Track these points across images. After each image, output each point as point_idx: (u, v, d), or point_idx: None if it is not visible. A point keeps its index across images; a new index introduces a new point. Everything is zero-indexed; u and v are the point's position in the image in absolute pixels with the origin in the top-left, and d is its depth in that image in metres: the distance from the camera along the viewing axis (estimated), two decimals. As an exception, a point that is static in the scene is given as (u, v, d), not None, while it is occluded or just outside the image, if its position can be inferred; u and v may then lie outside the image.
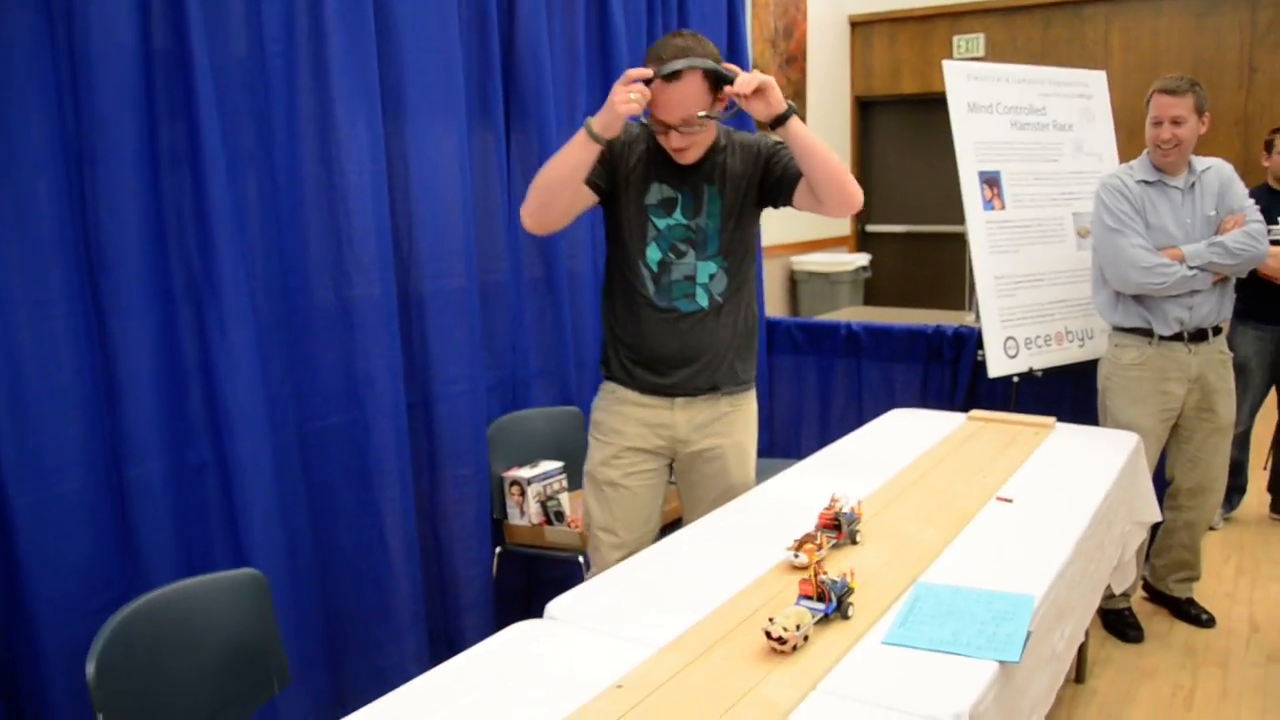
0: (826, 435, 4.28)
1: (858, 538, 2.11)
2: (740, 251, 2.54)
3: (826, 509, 2.10)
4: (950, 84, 3.79)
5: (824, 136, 6.95)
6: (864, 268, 6.84)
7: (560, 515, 3.04)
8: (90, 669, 1.70)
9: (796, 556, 1.92)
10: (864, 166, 7.61)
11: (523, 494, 3.04)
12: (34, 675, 2.11)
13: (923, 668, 1.62)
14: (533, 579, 3.38)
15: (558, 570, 3.13)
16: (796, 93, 6.51)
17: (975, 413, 3.24)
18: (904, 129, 7.62)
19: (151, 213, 2.26)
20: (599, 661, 1.65)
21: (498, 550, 3.14)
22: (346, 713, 1.58)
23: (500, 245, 3.23)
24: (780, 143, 2.44)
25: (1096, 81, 4.12)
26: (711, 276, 2.50)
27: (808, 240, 6.75)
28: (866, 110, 7.56)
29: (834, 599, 1.75)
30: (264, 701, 2.04)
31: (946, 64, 3.82)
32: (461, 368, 2.99)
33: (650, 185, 2.48)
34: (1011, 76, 3.92)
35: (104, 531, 2.20)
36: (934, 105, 7.23)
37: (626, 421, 2.56)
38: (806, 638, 1.67)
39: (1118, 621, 3.39)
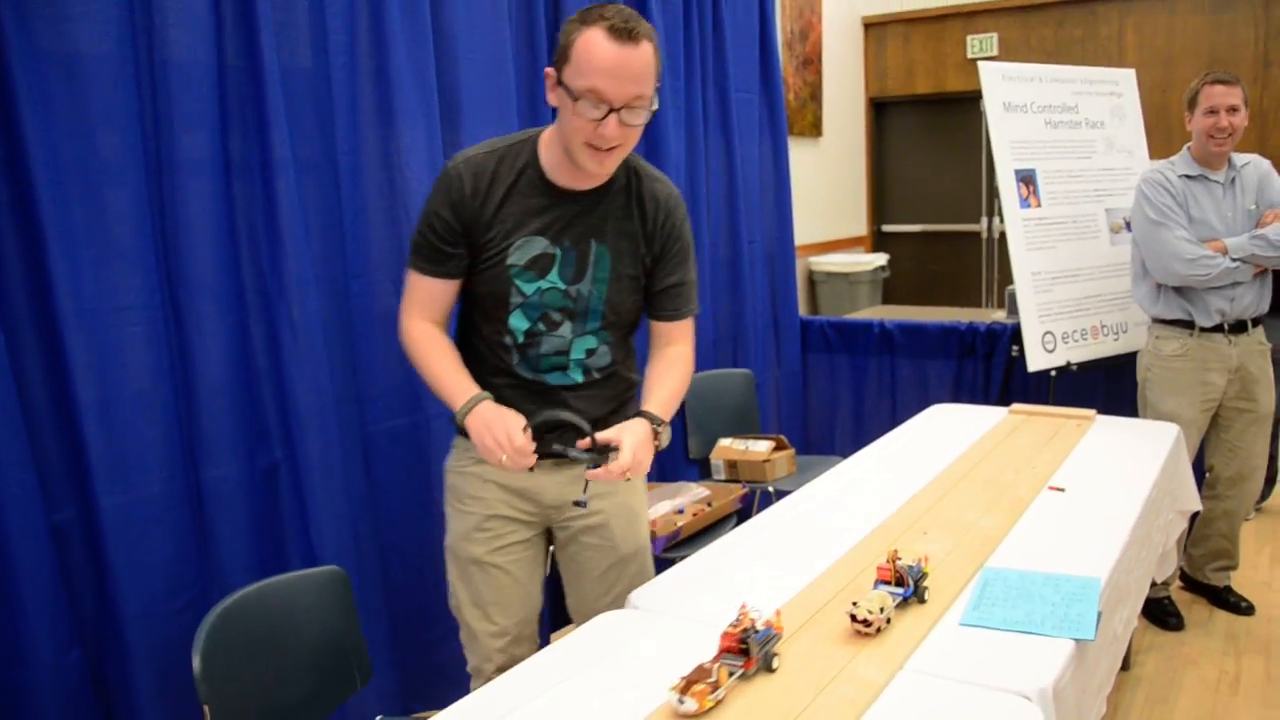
0: (861, 432, 4.35)
1: (774, 663, 1.59)
2: (628, 321, 2.09)
3: (732, 626, 1.57)
4: (986, 84, 3.84)
5: (839, 137, 7.00)
6: (882, 267, 6.89)
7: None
8: (196, 662, 1.74)
9: (682, 703, 1.45)
10: (879, 167, 7.66)
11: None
12: (121, 673, 2.17)
13: (1001, 647, 1.68)
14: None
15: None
16: (813, 94, 6.56)
17: (1017, 406, 3.29)
18: (918, 129, 7.67)
19: (224, 219, 2.32)
20: (688, 647, 1.70)
21: (551, 549, 3.18)
22: (413, 708, 1.63)
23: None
24: (680, 223, 2.06)
25: (1126, 80, 4.18)
26: (590, 352, 2.04)
27: (825, 241, 6.79)
28: (881, 111, 7.61)
29: (911, 583, 1.80)
30: (349, 695, 2.10)
31: (982, 65, 3.87)
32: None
33: (516, 240, 1.93)
34: (1044, 76, 3.98)
35: (184, 532, 2.26)
36: (948, 105, 7.31)
37: (484, 486, 2.09)
38: (889, 620, 1.72)
39: (1158, 610, 3.43)
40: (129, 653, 2.16)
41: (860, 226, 7.65)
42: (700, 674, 1.49)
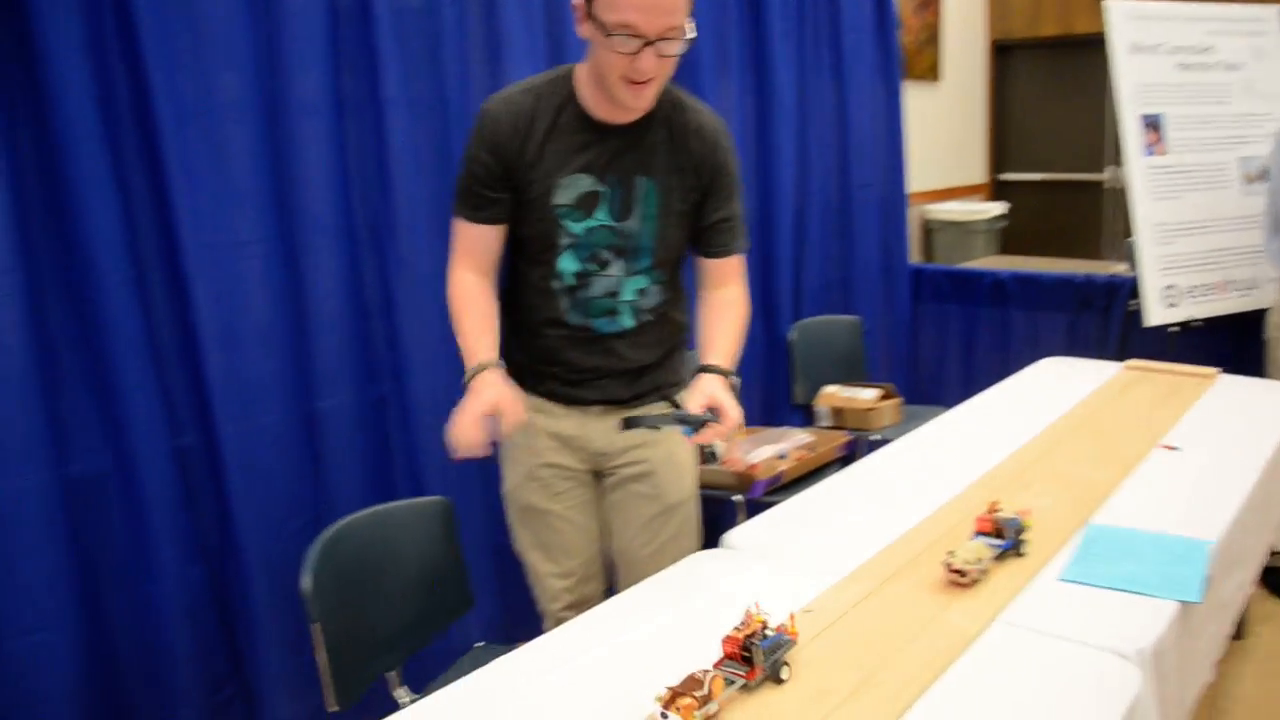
0: (970, 384, 4.25)
1: (784, 674, 1.43)
2: (676, 258, 2.03)
3: (737, 629, 1.42)
4: (1112, 24, 3.68)
5: (958, 82, 6.79)
6: (1000, 216, 6.70)
7: (715, 455, 3.09)
8: (306, 581, 1.80)
9: (664, 717, 1.30)
10: (1000, 113, 7.42)
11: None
12: (240, 590, 2.29)
13: (1101, 604, 1.65)
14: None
15: (710, 509, 3.20)
16: (931, 37, 6.37)
17: (1133, 362, 3.19)
18: (1043, 74, 7.39)
19: (337, 158, 2.38)
20: (780, 588, 1.71)
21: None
22: (513, 638, 1.68)
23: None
24: (726, 154, 1.97)
25: (1272, 17, 3.94)
26: (641, 292, 1.99)
27: (943, 188, 6.63)
28: (1004, 54, 7.34)
29: (1010, 535, 1.78)
30: (451, 621, 2.17)
31: (1108, 3, 3.70)
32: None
33: (561, 179, 1.88)
34: (1178, 15, 3.79)
35: (298, 459, 2.36)
36: (1076, 49, 7.02)
37: (534, 435, 2.07)
38: (985, 571, 1.71)
39: (1276, 579, 3.31)
40: (246, 572, 2.27)
41: (979, 174, 7.44)
42: (690, 685, 1.32)
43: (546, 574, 2.16)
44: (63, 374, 2.02)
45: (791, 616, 1.46)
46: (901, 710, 1.35)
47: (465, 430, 1.82)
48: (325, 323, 2.39)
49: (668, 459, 2.12)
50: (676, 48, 1.76)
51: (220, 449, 2.20)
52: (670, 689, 1.31)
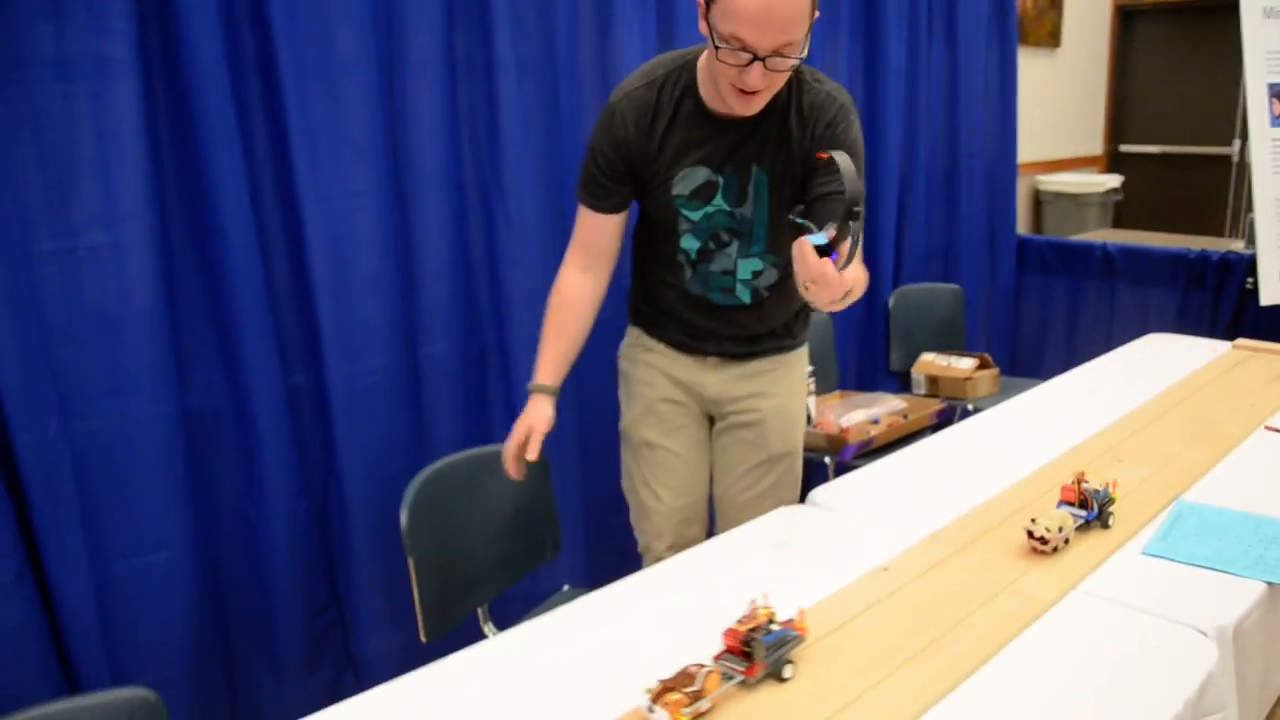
0: (1073, 358, 4.19)
1: (788, 672, 1.36)
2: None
3: (740, 622, 1.35)
4: (1243, -12, 3.55)
5: (1079, 48, 6.60)
6: (1115, 189, 6.51)
7: (808, 417, 3.13)
8: (404, 518, 1.90)
9: (652, 711, 1.24)
10: (1121, 81, 7.19)
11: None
12: (341, 524, 2.41)
13: (1184, 580, 1.64)
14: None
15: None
16: (1053, 2, 6.20)
17: (1242, 341, 3.10)
18: (1169, 41, 7.12)
19: (448, 115, 2.45)
20: (861, 545, 1.75)
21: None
22: (599, 584, 1.73)
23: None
24: (839, 128, 1.88)
25: None
26: (756, 273, 2.04)
27: (1056, 159, 6.47)
28: (1129, 19, 7.10)
29: (1095, 507, 1.78)
30: (538, 565, 2.26)
31: (1238, -35, 3.58)
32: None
33: (679, 171, 1.93)
34: (1314, -22, 3.63)
35: (401, 403, 2.46)
36: (1205, 14, 6.75)
37: (652, 373, 2.19)
38: (1068, 540, 1.71)
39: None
40: (347, 507, 2.39)
41: (1095, 145, 7.23)
42: (682, 680, 1.27)
43: (654, 510, 2.22)
44: (186, 312, 2.15)
45: (801, 612, 1.41)
46: (970, 671, 1.38)
47: (507, 460, 2.00)
48: (431, 273, 2.48)
49: (779, 410, 2.17)
50: (788, 64, 1.72)
51: (328, 389, 2.32)
52: (661, 682, 1.26)
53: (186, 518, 2.16)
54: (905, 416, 3.23)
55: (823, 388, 3.33)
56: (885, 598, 1.57)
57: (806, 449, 3.05)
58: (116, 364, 2.04)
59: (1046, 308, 4.46)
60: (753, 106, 1.80)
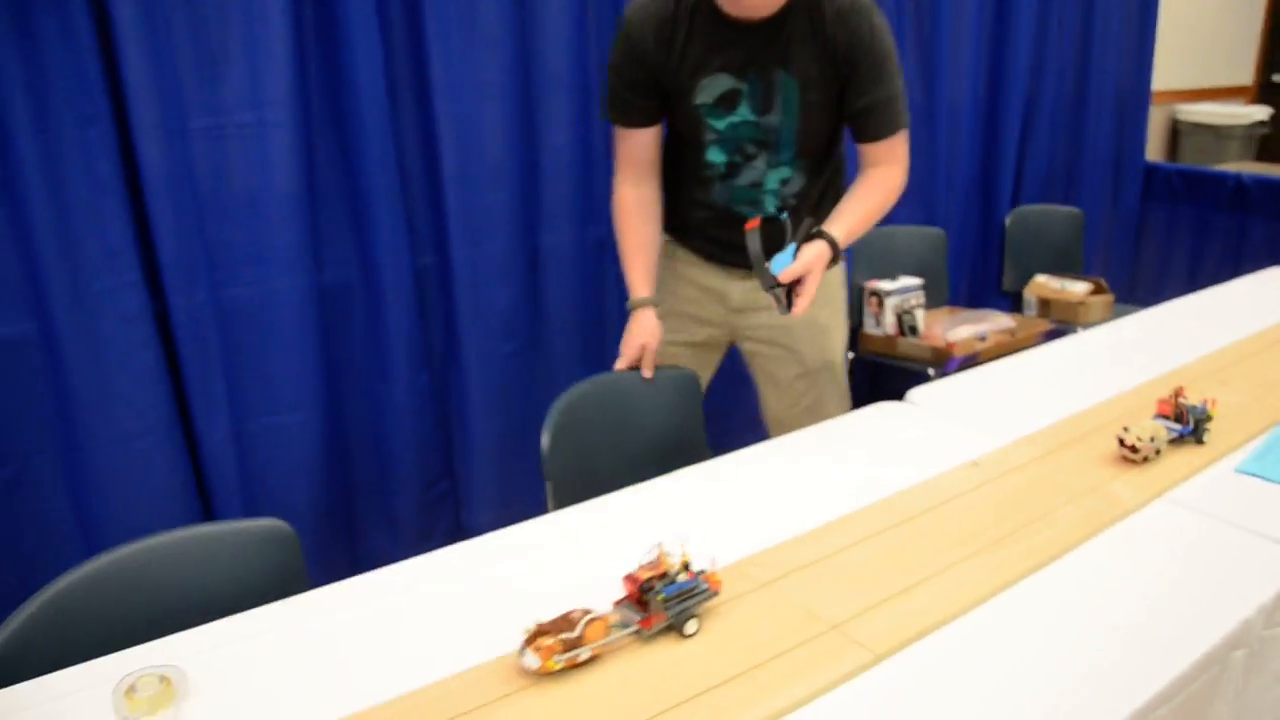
0: (1193, 289, 4.10)
1: (690, 628, 1.24)
2: (824, 149, 2.02)
3: (644, 567, 1.25)
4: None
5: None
6: (1262, 122, 6.23)
7: (914, 329, 3.17)
8: (545, 440, 1.85)
9: (522, 654, 1.15)
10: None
11: (880, 305, 3.19)
12: (460, 398, 2.57)
13: (1274, 498, 1.64)
14: (880, 389, 3.54)
15: (906, 382, 3.27)
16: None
17: (1373, 278, 3.02)
18: (1337, -35, 6.72)
19: (578, 13, 2.53)
20: (955, 443, 1.81)
21: (850, 356, 3.32)
22: None
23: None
24: (870, 35, 1.86)
25: None
26: (784, 181, 2.01)
27: (1198, 88, 6.21)
28: (1293, -58, 6.71)
29: (1191, 421, 1.80)
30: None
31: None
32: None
33: (701, 80, 1.90)
34: None
35: (519, 287, 2.58)
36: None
37: (679, 281, 2.19)
38: (1159, 451, 1.74)
39: None
40: (464, 382, 2.54)
41: (1245, 75, 6.90)
42: (560, 625, 1.17)
43: None
44: (324, 194, 2.29)
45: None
46: (1047, 561, 1.43)
47: (625, 360, 2.04)
48: (554, 166, 2.58)
49: (807, 322, 2.13)
50: None
51: (452, 270, 2.45)
52: (538, 625, 1.17)
53: (317, 383, 2.33)
54: (1013, 335, 3.23)
55: (932, 302, 3.35)
56: (971, 490, 1.63)
57: (911, 359, 3.12)
58: (259, 238, 2.20)
59: (1171, 238, 4.35)
60: (763, 5, 1.78)
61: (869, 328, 3.26)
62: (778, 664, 1.18)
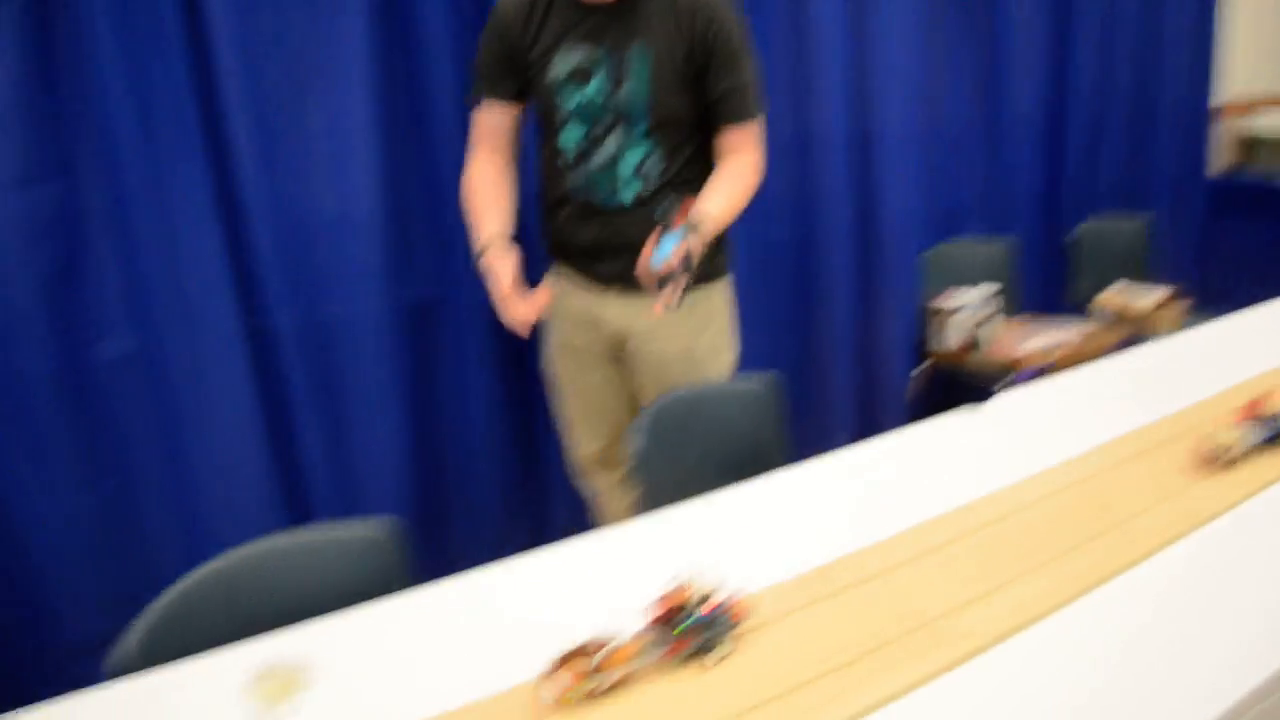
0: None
1: (714, 659, 1.23)
2: (681, 127, 1.99)
3: (670, 592, 1.24)
4: None
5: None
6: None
7: (984, 341, 3.17)
8: (634, 446, 1.92)
9: (541, 686, 1.15)
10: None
11: (950, 317, 3.20)
12: (544, 411, 2.61)
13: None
14: (950, 400, 3.53)
15: (976, 394, 3.26)
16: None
17: None
18: None
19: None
20: (1032, 451, 1.83)
21: (918, 369, 3.34)
22: None
23: (949, 85, 3.36)
24: (725, 24, 1.91)
25: None
26: (639, 165, 1.98)
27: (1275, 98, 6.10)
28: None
29: (1274, 428, 1.79)
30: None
31: None
32: (903, 196, 3.18)
33: (555, 55, 1.94)
34: None
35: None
36: None
37: (564, 309, 2.17)
38: (1241, 458, 1.73)
39: None
40: (541, 391, 2.58)
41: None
42: (580, 655, 1.16)
43: (578, 445, 2.32)
44: (407, 214, 2.39)
45: (736, 592, 1.29)
46: (1132, 564, 1.44)
47: (510, 312, 1.90)
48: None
49: (682, 356, 2.12)
50: None
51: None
52: (562, 654, 1.16)
53: (404, 396, 2.41)
54: (1084, 346, 3.21)
55: (1002, 314, 3.36)
56: (1052, 495, 1.65)
57: (981, 371, 3.12)
58: (347, 257, 2.30)
59: (1243, 250, 4.29)
60: None
61: (939, 340, 3.27)
62: (802, 692, 1.18)
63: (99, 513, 2.15)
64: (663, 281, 1.69)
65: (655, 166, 1.99)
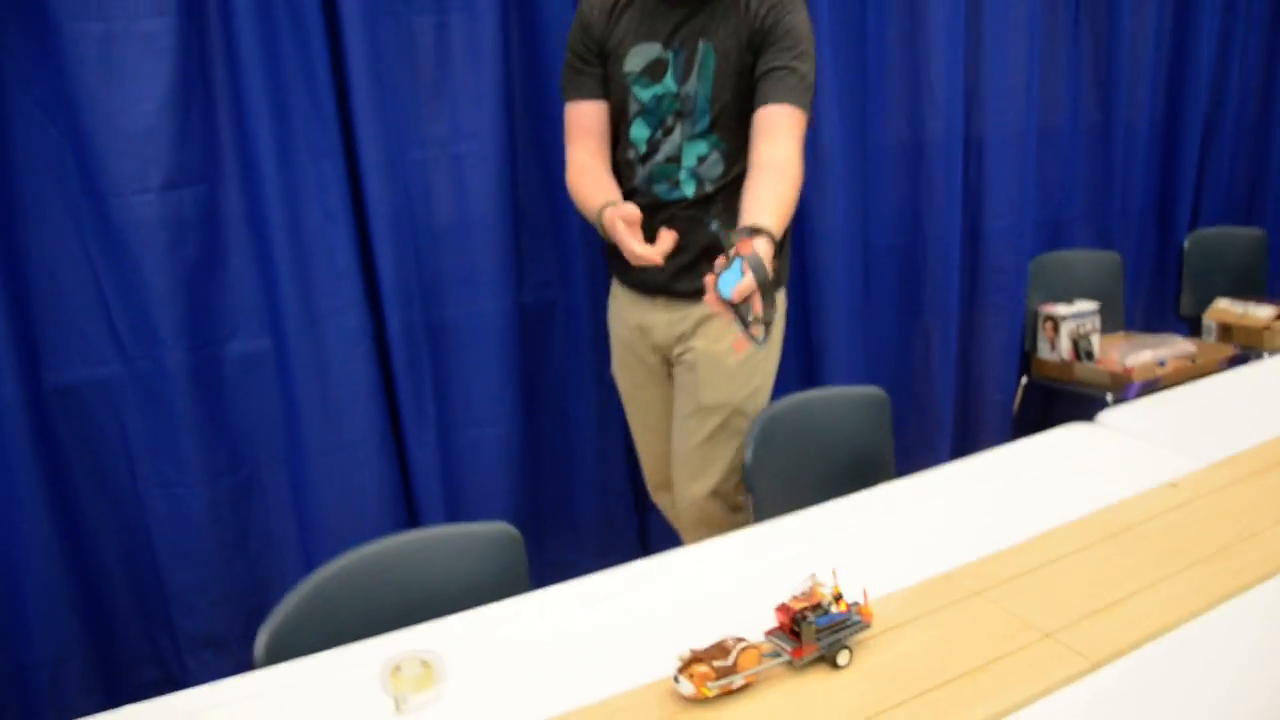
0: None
1: (843, 659, 1.24)
2: (739, 126, 1.98)
3: (795, 598, 1.26)
4: None
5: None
6: None
7: (1090, 354, 3.14)
8: (747, 455, 1.96)
9: (677, 681, 1.16)
10: None
11: (1056, 329, 3.18)
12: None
13: None
14: (1054, 414, 3.50)
15: (1081, 408, 3.24)
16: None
17: None
18: None
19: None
20: (1149, 464, 1.82)
21: (1024, 381, 3.32)
22: None
23: (1060, 92, 3.32)
24: (788, 13, 1.92)
25: None
26: (701, 159, 2.02)
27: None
28: None
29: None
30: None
31: None
32: (1011, 203, 3.16)
33: (632, 48, 2.01)
34: None
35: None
36: None
37: (619, 321, 2.24)
38: (1368, 476, 1.71)
39: None
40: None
41: None
42: (714, 652, 1.19)
43: (643, 453, 2.37)
44: (525, 219, 2.46)
45: (865, 593, 1.30)
46: (1256, 581, 1.43)
47: (638, 251, 1.81)
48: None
49: (710, 357, 2.11)
50: None
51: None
52: (693, 651, 1.19)
53: (515, 398, 2.48)
54: (1193, 360, 3.17)
55: (1108, 327, 3.32)
56: (1171, 510, 1.64)
57: (1087, 385, 3.09)
58: (468, 261, 2.37)
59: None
60: None
61: (1044, 352, 3.24)
62: (926, 698, 1.19)
63: (222, 505, 2.24)
64: (737, 311, 1.53)
65: (716, 169, 2.02)
